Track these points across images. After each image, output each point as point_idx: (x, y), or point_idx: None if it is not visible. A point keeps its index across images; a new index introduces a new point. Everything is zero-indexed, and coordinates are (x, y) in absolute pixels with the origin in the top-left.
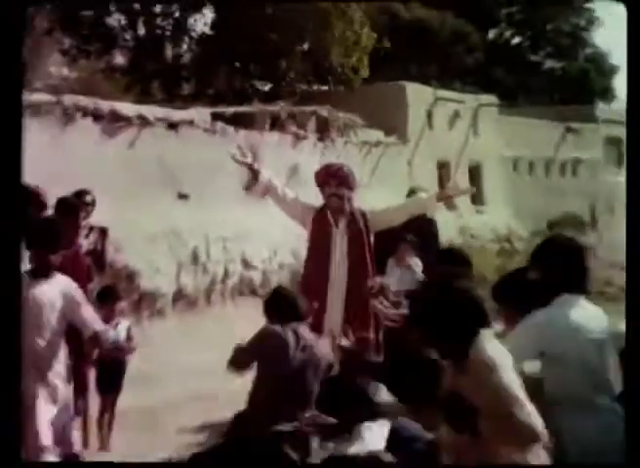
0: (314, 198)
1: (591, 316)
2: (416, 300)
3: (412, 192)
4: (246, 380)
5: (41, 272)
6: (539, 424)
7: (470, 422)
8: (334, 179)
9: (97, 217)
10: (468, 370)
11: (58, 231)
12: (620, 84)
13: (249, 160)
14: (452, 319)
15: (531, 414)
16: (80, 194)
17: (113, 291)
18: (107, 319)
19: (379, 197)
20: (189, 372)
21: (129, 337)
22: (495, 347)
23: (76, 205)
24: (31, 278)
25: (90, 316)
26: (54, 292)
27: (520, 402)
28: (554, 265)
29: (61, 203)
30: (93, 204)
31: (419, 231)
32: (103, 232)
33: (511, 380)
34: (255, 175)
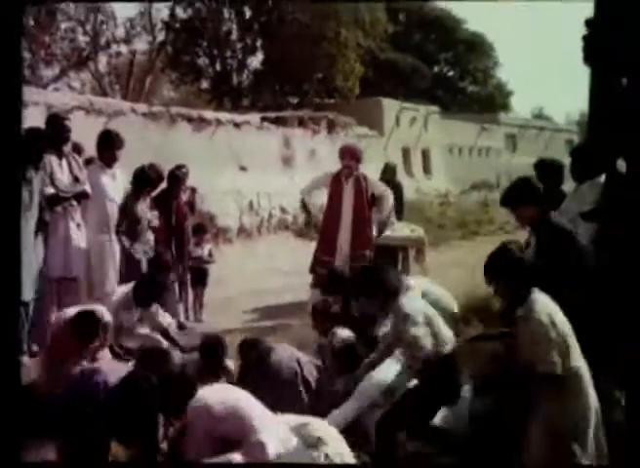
0: (325, 170)
1: None
2: None
3: (386, 166)
4: (282, 281)
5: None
6: None
7: None
8: (348, 155)
9: (190, 181)
10: None
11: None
12: (513, 101)
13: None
14: None
15: None
16: (179, 167)
17: (201, 226)
18: (198, 243)
19: (365, 168)
20: (249, 276)
21: (210, 255)
22: None
23: (177, 174)
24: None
25: None
26: None
27: None
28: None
29: (170, 173)
30: (187, 173)
31: (391, 190)
32: (194, 190)
33: None
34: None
